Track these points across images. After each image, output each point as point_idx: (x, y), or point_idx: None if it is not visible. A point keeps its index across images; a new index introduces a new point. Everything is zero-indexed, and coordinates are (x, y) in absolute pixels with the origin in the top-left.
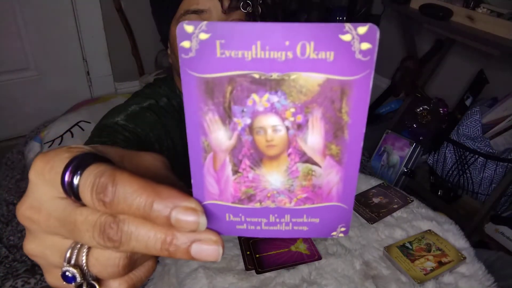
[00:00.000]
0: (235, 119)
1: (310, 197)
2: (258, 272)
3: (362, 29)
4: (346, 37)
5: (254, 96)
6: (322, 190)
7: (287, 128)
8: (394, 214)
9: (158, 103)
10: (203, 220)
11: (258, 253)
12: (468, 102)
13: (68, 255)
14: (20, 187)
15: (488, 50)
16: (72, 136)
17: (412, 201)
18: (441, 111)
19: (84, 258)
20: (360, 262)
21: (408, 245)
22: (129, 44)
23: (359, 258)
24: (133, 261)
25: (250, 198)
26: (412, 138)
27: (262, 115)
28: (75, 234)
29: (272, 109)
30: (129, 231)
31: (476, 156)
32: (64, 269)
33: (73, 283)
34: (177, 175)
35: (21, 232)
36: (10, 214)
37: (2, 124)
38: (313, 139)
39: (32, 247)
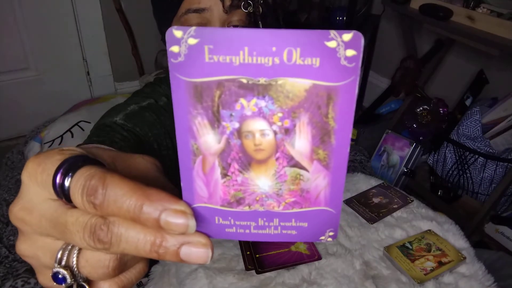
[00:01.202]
0: (223, 123)
1: (298, 201)
2: (258, 272)
3: (347, 36)
4: (332, 44)
5: (242, 100)
6: (310, 194)
7: (275, 133)
8: (394, 214)
9: (158, 103)
10: (192, 223)
11: (258, 253)
12: (468, 102)
13: (59, 256)
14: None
15: (488, 50)
16: (72, 136)
17: (412, 201)
18: (441, 111)
19: (74, 259)
20: (360, 262)
21: (408, 245)
22: (129, 44)
23: (359, 258)
24: (123, 263)
25: (239, 201)
26: (412, 138)
27: (250, 119)
28: (66, 235)
29: (260, 113)
30: (119, 232)
31: (476, 156)
32: (55, 270)
33: (63, 284)
34: (177, 175)
35: None
36: None
37: (2, 124)
38: (301, 143)
39: (24, 248)
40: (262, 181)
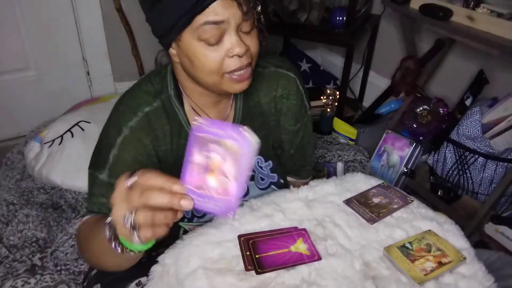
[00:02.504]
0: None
1: (223, 193)
2: (257, 273)
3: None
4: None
5: (211, 146)
6: (229, 191)
7: (220, 161)
8: (394, 214)
9: (141, 118)
10: (185, 191)
11: (257, 254)
12: (468, 102)
13: (128, 213)
14: (20, 187)
15: (488, 50)
16: (72, 136)
17: (412, 201)
18: (441, 111)
19: (133, 216)
20: (360, 263)
21: (408, 245)
22: (129, 44)
23: (359, 259)
24: (155, 220)
25: (201, 187)
26: (412, 138)
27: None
28: (130, 203)
29: (218, 152)
30: (152, 195)
31: (476, 156)
32: (126, 217)
33: (128, 225)
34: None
35: (21, 232)
36: (10, 214)
37: (2, 124)
38: (228, 168)
39: (114, 213)
40: (212, 180)
